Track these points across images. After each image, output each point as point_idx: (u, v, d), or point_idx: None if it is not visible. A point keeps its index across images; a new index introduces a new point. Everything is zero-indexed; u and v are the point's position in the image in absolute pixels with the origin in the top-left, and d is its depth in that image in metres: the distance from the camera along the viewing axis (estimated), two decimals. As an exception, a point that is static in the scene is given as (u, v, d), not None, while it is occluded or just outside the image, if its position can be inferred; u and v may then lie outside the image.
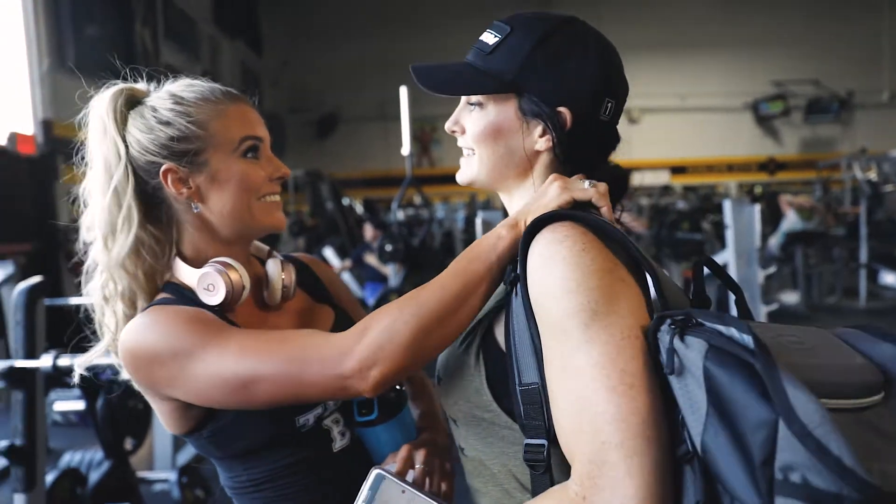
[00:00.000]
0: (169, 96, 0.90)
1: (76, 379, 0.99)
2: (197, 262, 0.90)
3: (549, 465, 0.70)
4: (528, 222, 0.75)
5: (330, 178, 10.36)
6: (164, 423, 0.90)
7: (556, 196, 0.77)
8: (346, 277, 6.32)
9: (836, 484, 0.48)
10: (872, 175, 8.74)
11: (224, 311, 0.88)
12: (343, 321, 1.01)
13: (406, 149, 4.03)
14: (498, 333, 0.78)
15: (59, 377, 2.34)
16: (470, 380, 0.78)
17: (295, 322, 0.98)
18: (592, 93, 0.80)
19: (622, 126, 0.88)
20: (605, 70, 0.81)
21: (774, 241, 8.69)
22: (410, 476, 0.85)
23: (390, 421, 0.95)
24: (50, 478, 2.54)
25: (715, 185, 14.07)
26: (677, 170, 14.22)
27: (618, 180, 0.86)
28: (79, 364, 0.96)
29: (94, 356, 0.93)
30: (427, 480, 0.87)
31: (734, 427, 0.54)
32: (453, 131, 0.87)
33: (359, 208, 10.92)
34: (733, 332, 0.57)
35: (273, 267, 0.95)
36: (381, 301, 4.32)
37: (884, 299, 7.50)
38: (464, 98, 0.86)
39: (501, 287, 0.80)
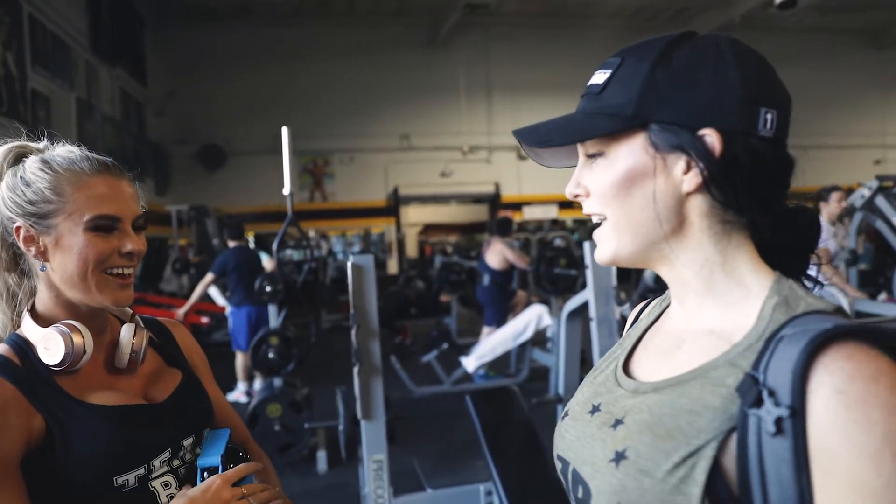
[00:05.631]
0: (40, 160, 0.95)
1: None
2: (45, 320, 0.94)
3: None
4: None
5: (217, 213, 10.02)
6: None
7: None
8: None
9: None
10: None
11: (64, 372, 0.91)
12: (188, 385, 1.05)
13: (287, 189, 3.98)
14: (726, 469, 0.56)
15: None
16: None
17: (142, 384, 1.01)
18: (741, 102, 0.61)
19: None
20: (750, 73, 0.63)
21: (649, 273, 9.25)
22: None
23: None
24: None
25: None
26: (565, 204, 14.92)
27: (800, 224, 0.66)
28: None
29: None
30: None
31: None
32: (576, 196, 0.70)
33: (251, 243, 10.59)
34: None
35: (125, 332, 0.99)
36: (261, 342, 4.19)
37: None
38: (581, 153, 0.70)
39: (719, 401, 0.58)
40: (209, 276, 5.68)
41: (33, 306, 0.96)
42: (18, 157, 0.96)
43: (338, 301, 10.37)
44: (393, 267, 13.61)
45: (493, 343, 5.64)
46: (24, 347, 0.91)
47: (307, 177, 13.60)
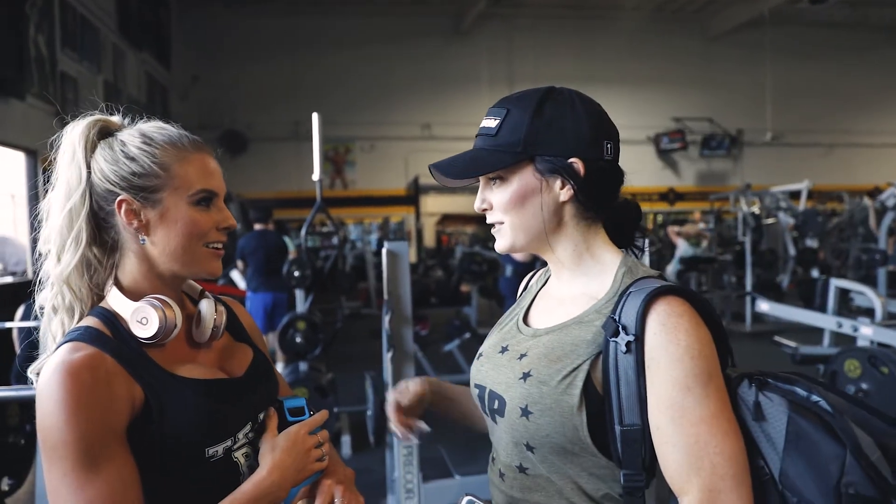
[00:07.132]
0: (139, 134, 0.95)
1: None
2: (132, 293, 0.94)
3: (643, 494, 0.86)
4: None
5: (239, 198, 10.08)
6: None
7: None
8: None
9: (881, 493, 0.74)
10: (756, 209, 9.45)
11: (153, 345, 0.92)
12: (260, 361, 1.08)
13: (316, 174, 3.98)
14: (595, 378, 0.87)
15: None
16: (570, 418, 0.86)
17: (217, 358, 1.03)
18: (592, 139, 0.92)
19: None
20: (594, 119, 0.93)
21: (671, 268, 9.20)
22: None
23: None
24: None
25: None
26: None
27: (629, 212, 1.01)
28: None
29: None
30: None
31: (812, 459, 0.78)
32: (484, 209, 0.98)
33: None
34: (801, 392, 0.83)
35: (207, 307, 1.00)
36: (289, 326, 4.23)
37: (766, 323, 8.09)
38: (483, 178, 0.97)
39: (591, 336, 0.89)
40: (239, 265, 5.58)
41: (117, 279, 0.96)
42: (104, 131, 0.96)
43: (356, 288, 10.42)
44: (411, 256, 13.64)
45: (514, 334, 5.62)
46: (112, 320, 0.92)
47: (328, 164, 13.65)
